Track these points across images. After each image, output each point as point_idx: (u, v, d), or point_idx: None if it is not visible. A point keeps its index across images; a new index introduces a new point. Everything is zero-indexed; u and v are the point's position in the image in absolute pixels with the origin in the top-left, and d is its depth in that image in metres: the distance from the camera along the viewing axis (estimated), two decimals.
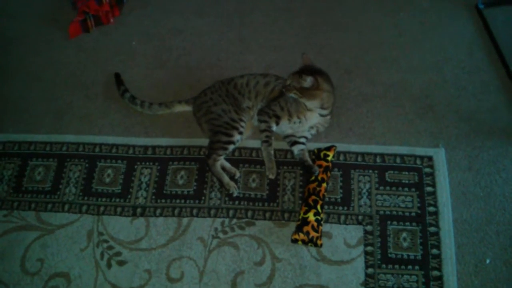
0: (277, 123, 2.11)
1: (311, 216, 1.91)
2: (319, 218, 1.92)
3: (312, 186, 1.99)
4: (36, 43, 2.68)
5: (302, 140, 2.13)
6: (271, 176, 2.09)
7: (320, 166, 2.04)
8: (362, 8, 2.63)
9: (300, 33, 2.56)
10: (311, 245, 1.92)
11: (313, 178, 2.01)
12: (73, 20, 2.65)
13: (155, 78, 2.47)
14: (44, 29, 2.73)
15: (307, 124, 2.12)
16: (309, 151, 2.12)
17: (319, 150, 2.09)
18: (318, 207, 1.94)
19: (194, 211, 2.07)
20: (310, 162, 2.06)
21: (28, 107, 2.43)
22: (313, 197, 1.96)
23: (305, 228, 1.89)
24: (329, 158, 2.06)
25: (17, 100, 2.47)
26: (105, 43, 2.63)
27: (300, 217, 1.93)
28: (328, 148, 2.09)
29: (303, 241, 1.90)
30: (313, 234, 1.88)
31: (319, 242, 1.90)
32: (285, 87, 2.02)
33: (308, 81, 1.96)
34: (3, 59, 2.64)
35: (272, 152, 2.11)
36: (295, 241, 1.92)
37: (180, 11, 2.70)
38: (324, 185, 2.00)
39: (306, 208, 1.94)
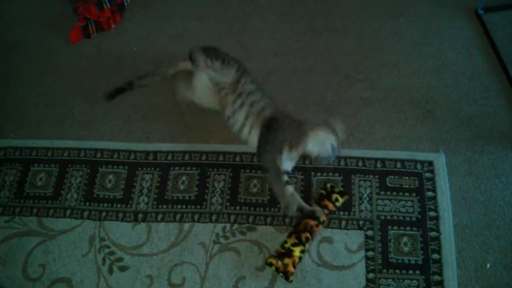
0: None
1: (297, 252, 1.87)
2: (302, 256, 1.90)
3: (311, 223, 1.92)
4: (37, 48, 2.69)
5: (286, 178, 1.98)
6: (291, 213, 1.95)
7: (325, 206, 1.97)
8: (362, 13, 2.63)
9: (301, 39, 2.57)
10: (281, 276, 1.87)
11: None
12: (74, 25, 2.65)
13: (157, 83, 2.47)
14: (45, 35, 2.73)
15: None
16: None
17: (332, 189, 2.02)
18: (307, 245, 1.90)
19: (196, 216, 2.07)
20: (308, 207, 1.93)
21: (29, 112, 2.44)
22: (307, 234, 1.90)
23: (286, 260, 1.85)
24: (338, 204, 2.00)
25: (17, 106, 2.48)
26: (106, 49, 2.63)
27: (287, 246, 1.89)
28: (341, 193, 2.01)
29: (277, 269, 1.86)
30: (290, 268, 1.84)
31: (291, 278, 1.85)
32: None
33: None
34: (3, 64, 2.65)
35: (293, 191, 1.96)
36: (270, 264, 1.88)
37: (180, 16, 2.71)
38: (321, 227, 1.95)
39: (296, 241, 1.89)
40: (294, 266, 1.86)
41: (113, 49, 2.63)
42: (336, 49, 2.51)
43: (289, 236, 1.94)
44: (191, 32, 2.65)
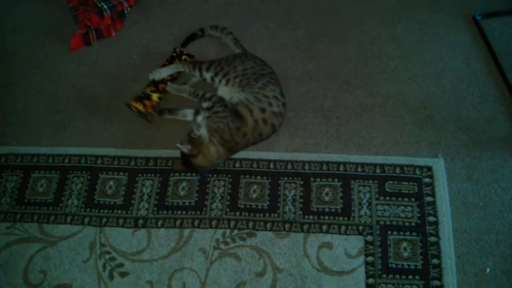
0: None
1: (155, 97, 2.31)
2: (159, 102, 2.33)
3: (166, 78, 2.39)
4: (37, 56, 2.70)
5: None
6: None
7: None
8: (361, 20, 2.65)
9: (300, 46, 2.59)
10: (141, 117, 2.30)
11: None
12: (75, 33, 2.67)
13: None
14: (46, 43, 2.75)
15: None
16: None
17: (181, 52, 2.49)
18: (163, 94, 2.36)
19: (196, 222, 2.08)
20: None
21: (30, 120, 2.45)
22: (163, 85, 2.36)
23: (146, 102, 2.27)
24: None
25: (19, 113, 2.49)
26: (106, 56, 2.65)
27: (146, 92, 2.31)
28: (189, 55, 2.50)
29: (138, 111, 2.26)
30: (150, 110, 2.27)
31: (149, 118, 2.29)
32: None
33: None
34: (5, 72, 2.66)
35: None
36: (129, 106, 2.26)
37: (180, 24, 2.73)
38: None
39: (155, 89, 2.33)
40: (154, 110, 2.28)
41: (114, 56, 2.65)
42: (335, 55, 2.53)
43: (148, 86, 2.34)
44: (190, 43, 2.66)
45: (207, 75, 2.30)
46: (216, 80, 2.28)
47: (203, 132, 2.11)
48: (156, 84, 2.35)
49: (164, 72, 2.38)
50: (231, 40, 2.52)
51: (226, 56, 2.36)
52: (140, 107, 2.25)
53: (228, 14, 2.75)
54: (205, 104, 2.21)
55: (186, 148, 2.01)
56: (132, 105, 2.26)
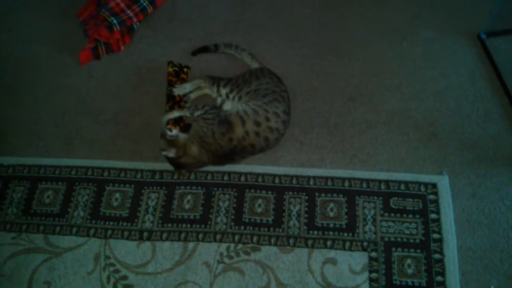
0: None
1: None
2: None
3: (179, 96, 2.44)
4: (47, 68, 2.74)
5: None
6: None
7: (183, 79, 2.52)
8: (366, 38, 2.68)
9: (306, 62, 2.61)
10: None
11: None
12: (84, 47, 2.71)
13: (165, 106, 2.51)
14: (56, 55, 2.78)
15: None
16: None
17: (180, 64, 2.57)
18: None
19: (200, 235, 2.09)
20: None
21: (38, 131, 2.48)
22: (182, 103, 2.41)
23: (181, 124, 2.33)
24: (189, 74, 2.58)
25: (27, 124, 2.52)
26: (115, 70, 2.68)
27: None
28: (188, 67, 2.60)
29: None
30: (183, 128, 2.31)
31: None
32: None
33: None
34: (14, 83, 2.70)
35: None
36: (170, 130, 2.19)
37: (189, 39, 2.76)
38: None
39: (179, 109, 2.34)
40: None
41: (122, 70, 2.68)
42: (340, 72, 2.55)
43: (171, 107, 2.36)
44: (198, 55, 2.69)
45: (223, 91, 2.34)
46: (230, 96, 2.32)
47: (180, 134, 2.19)
48: (179, 104, 2.38)
49: (188, 88, 2.44)
50: (247, 56, 2.56)
51: (243, 72, 2.41)
52: (177, 129, 2.27)
53: (236, 30, 2.78)
54: (197, 113, 2.25)
55: (172, 153, 2.09)
56: (171, 129, 2.23)
